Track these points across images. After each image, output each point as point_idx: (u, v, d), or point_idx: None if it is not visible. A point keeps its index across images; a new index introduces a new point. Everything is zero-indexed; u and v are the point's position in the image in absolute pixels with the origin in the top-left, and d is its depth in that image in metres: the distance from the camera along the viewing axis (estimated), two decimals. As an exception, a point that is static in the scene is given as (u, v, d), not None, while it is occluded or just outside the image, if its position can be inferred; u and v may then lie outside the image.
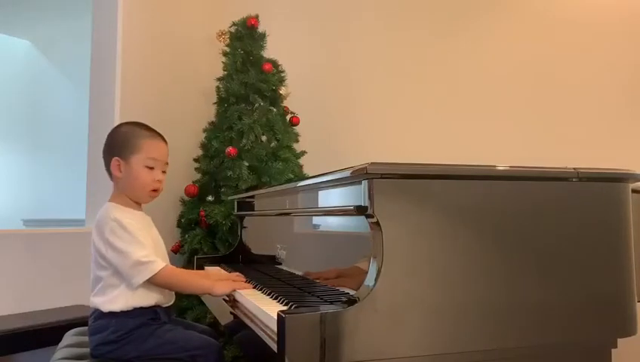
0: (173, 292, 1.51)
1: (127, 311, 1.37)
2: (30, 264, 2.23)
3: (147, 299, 1.39)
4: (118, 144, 1.46)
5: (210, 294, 1.45)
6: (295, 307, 1.08)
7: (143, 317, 1.38)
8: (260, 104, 2.51)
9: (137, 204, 1.50)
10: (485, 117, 2.47)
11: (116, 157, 1.44)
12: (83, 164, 2.63)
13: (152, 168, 1.46)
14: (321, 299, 1.18)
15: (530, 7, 2.42)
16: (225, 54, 2.58)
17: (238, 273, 1.58)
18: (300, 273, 1.49)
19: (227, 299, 1.44)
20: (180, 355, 1.38)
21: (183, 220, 2.47)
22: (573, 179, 1.15)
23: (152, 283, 1.36)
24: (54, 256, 2.31)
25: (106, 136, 1.51)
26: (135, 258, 1.32)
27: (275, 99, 2.56)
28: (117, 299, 1.36)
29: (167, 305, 1.47)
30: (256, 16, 2.57)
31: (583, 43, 2.30)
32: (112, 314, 1.36)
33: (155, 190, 1.48)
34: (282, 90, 2.58)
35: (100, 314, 1.38)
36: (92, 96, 2.64)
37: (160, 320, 1.42)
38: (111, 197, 1.48)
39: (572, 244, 1.14)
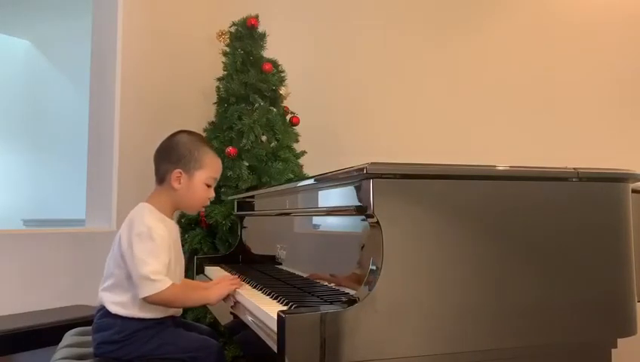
0: None
1: (133, 317, 1.37)
2: (30, 264, 2.23)
3: (156, 312, 1.39)
4: (183, 156, 1.44)
5: (209, 304, 1.46)
6: (295, 307, 1.08)
7: (148, 321, 1.38)
8: (260, 104, 2.51)
9: (173, 211, 1.49)
10: (485, 117, 2.46)
11: (179, 170, 1.43)
12: (83, 163, 2.64)
13: (209, 186, 1.48)
14: (321, 299, 1.18)
15: (530, 8, 2.42)
16: (225, 54, 2.58)
17: (235, 276, 1.57)
18: (299, 273, 1.49)
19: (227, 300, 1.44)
20: (181, 356, 1.38)
21: (183, 220, 2.47)
22: (573, 179, 1.15)
23: (151, 301, 1.33)
24: (54, 256, 2.31)
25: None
26: (147, 271, 1.30)
27: (275, 99, 2.56)
28: (126, 306, 1.37)
29: (173, 316, 1.47)
30: (256, 16, 2.57)
31: (582, 43, 2.29)
32: (118, 315, 1.37)
33: (204, 206, 1.52)
34: (282, 90, 2.58)
35: (106, 313, 1.38)
36: (92, 96, 2.64)
37: (164, 324, 1.42)
38: (151, 199, 1.46)
39: (572, 244, 1.14)
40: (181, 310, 1.50)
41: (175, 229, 1.49)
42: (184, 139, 1.48)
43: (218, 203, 2.40)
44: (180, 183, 1.44)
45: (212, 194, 1.50)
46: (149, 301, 1.33)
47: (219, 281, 1.48)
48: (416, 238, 1.04)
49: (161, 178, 1.47)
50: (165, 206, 1.46)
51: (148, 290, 1.31)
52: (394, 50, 2.72)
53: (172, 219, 1.50)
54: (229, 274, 1.70)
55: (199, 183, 1.46)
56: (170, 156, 1.46)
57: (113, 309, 1.37)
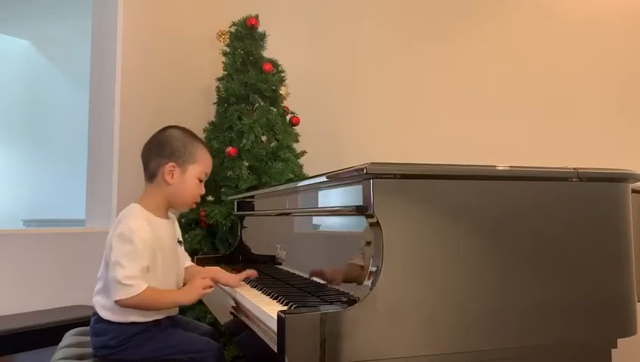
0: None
1: (125, 323, 1.35)
2: (30, 264, 2.23)
3: (146, 315, 1.37)
4: (176, 150, 1.42)
5: (181, 305, 1.44)
6: (295, 307, 1.08)
7: (142, 325, 1.36)
8: (260, 104, 2.51)
9: (166, 210, 1.47)
10: (486, 117, 2.46)
11: (172, 163, 1.41)
12: (83, 163, 2.64)
13: (201, 181, 1.47)
14: (321, 299, 1.18)
15: (530, 7, 2.42)
16: (225, 54, 2.58)
17: (252, 270, 1.55)
18: (299, 273, 1.49)
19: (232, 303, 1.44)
20: (181, 357, 1.37)
21: (183, 220, 2.47)
22: (573, 179, 1.15)
23: (122, 304, 1.30)
24: (54, 256, 2.31)
25: (146, 140, 1.47)
26: (120, 274, 1.28)
27: (275, 99, 2.56)
28: (113, 311, 1.34)
29: (168, 316, 1.44)
30: (256, 16, 2.57)
31: (582, 43, 2.29)
32: (109, 321, 1.35)
33: (196, 202, 1.50)
34: (282, 90, 2.58)
35: (99, 318, 1.37)
36: (92, 96, 2.64)
37: (161, 325, 1.40)
38: (142, 198, 1.43)
39: (572, 244, 1.14)
40: (177, 309, 1.48)
41: (166, 228, 1.44)
42: (176, 134, 1.45)
43: (218, 203, 2.40)
44: (172, 177, 1.41)
45: (203, 190, 1.49)
46: (120, 304, 1.30)
47: (191, 282, 1.43)
48: (417, 238, 1.04)
49: (151, 174, 1.43)
50: (158, 204, 1.43)
51: (119, 294, 1.28)
52: (394, 49, 2.72)
53: (166, 217, 1.47)
54: (224, 272, 1.63)
55: (192, 178, 1.44)
56: (162, 150, 1.42)
57: (104, 315, 1.35)
